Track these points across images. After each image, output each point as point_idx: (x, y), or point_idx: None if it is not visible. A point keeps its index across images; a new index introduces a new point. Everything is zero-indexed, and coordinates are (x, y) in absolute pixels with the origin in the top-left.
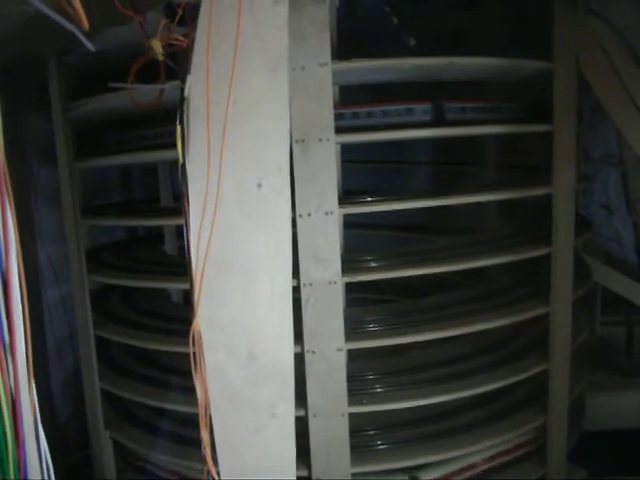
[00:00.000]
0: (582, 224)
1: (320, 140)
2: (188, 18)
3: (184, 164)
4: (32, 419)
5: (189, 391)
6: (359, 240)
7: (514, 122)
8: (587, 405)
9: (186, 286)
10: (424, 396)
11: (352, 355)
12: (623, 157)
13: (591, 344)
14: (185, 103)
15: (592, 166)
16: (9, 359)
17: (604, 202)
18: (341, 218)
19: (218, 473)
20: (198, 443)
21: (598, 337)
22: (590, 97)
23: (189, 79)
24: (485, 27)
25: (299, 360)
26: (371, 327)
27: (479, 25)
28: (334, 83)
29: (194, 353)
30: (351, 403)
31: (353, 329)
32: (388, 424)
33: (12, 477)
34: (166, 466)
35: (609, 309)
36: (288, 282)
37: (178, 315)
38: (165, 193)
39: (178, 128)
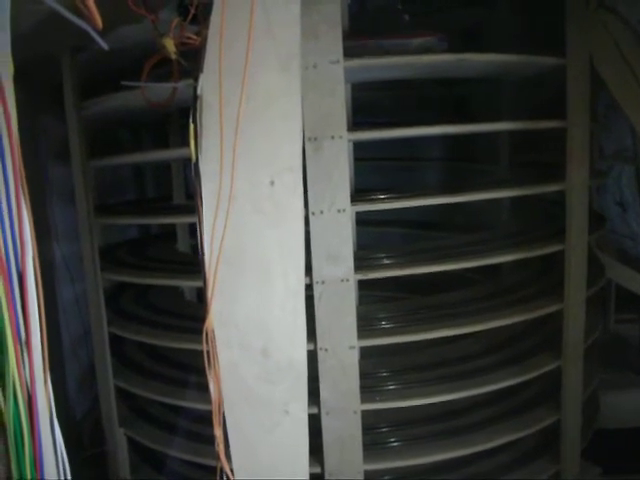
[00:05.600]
0: (596, 221)
1: (333, 138)
2: (201, 16)
3: (197, 162)
4: (48, 415)
5: (203, 388)
6: (371, 237)
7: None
8: (601, 403)
9: (199, 284)
10: (437, 393)
11: (365, 352)
12: (637, 153)
13: (605, 341)
14: (198, 101)
15: (606, 162)
16: (25, 356)
17: (618, 199)
18: (354, 215)
19: (232, 470)
20: (212, 440)
21: (612, 334)
22: (604, 93)
23: (202, 77)
24: (497, 24)
25: (312, 358)
26: (383, 324)
27: (491, 22)
28: (346, 80)
29: (207, 351)
30: (364, 400)
31: (365, 326)
32: (401, 421)
33: (28, 472)
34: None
35: (624, 306)
36: (301, 280)
37: (191, 313)
38: (178, 191)
39: (191, 126)
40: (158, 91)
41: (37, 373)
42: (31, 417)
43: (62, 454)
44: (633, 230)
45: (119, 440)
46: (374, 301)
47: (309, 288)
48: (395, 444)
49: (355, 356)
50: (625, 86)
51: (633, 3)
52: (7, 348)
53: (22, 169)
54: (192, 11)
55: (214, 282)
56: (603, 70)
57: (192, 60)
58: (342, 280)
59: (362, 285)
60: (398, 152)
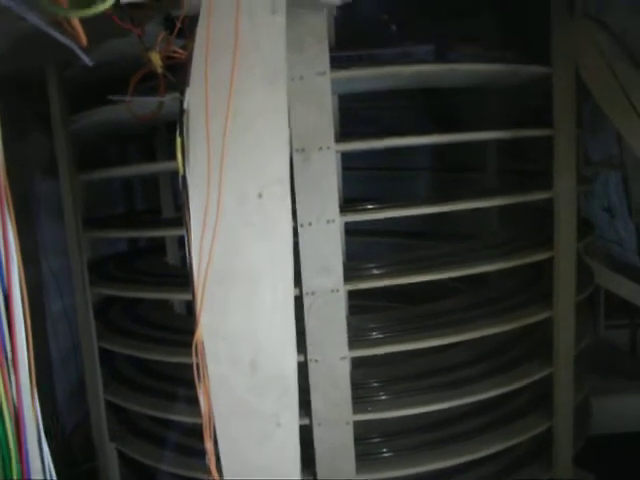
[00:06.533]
0: (584, 227)
1: (320, 149)
2: (187, 30)
3: (185, 175)
4: (35, 431)
5: (193, 401)
6: (360, 248)
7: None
8: (592, 409)
9: (188, 296)
10: (429, 403)
11: (356, 363)
12: (623, 160)
13: (595, 347)
14: (185, 115)
15: (592, 169)
16: (11, 372)
17: (605, 205)
18: (343, 226)
19: None
20: (203, 454)
21: (602, 340)
22: (590, 100)
23: (188, 91)
24: (484, 33)
25: (302, 369)
26: (374, 334)
27: (478, 31)
28: (333, 92)
29: (197, 364)
30: (355, 411)
31: (356, 337)
32: (393, 432)
33: None
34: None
35: (613, 312)
36: (290, 291)
37: (181, 326)
38: (166, 204)
39: (178, 140)
40: (145, 104)
41: (24, 391)
42: (18, 435)
43: (50, 471)
44: (621, 236)
45: (110, 454)
46: (364, 311)
47: (299, 299)
48: (387, 454)
49: (346, 367)
50: (610, 94)
51: (618, 13)
52: None
53: (7, 183)
54: (178, 25)
55: (203, 295)
56: (588, 78)
57: (179, 74)
58: (332, 291)
59: (352, 295)
60: (386, 162)
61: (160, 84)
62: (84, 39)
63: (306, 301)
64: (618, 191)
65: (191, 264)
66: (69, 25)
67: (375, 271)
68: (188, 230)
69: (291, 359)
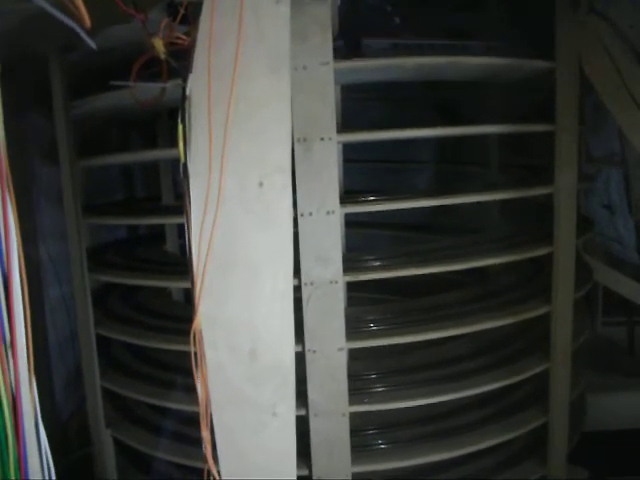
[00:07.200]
0: (584, 224)
1: (322, 139)
2: (190, 17)
3: (186, 163)
4: (33, 417)
5: (190, 390)
6: (360, 239)
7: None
8: (588, 405)
9: (187, 284)
10: (425, 396)
11: (353, 354)
12: (625, 157)
13: (592, 344)
14: (187, 102)
15: (594, 166)
16: (10, 357)
17: (606, 202)
18: (343, 217)
19: (219, 472)
20: (199, 442)
21: (600, 337)
22: (592, 96)
23: (191, 78)
24: (487, 27)
25: (300, 359)
26: (372, 326)
27: (481, 25)
28: (336, 82)
29: (195, 352)
30: (352, 402)
31: (354, 328)
32: (389, 423)
33: (12, 475)
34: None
35: (611, 309)
36: (289, 281)
37: (179, 313)
38: (167, 191)
39: (180, 127)
40: (147, 91)
41: (22, 375)
42: (15, 420)
43: (47, 457)
44: (620, 233)
45: (105, 441)
46: (363, 303)
47: (298, 290)
48: (383, 446)
49: (343, 358)
50: (614, 90)
51: (624, 9)
52: None
53: (8, 168)
54: (181, 11)
55: (202, 283)
56: (592, 74)
57: (182, 60)
58: (331, 282)
59: (351, 287)
60: (388, 154)
61: (163, 70)
62: (88, 21)
63: (305, 292)
64: (619, 188)
65: (191, 252)
66: (73, 6)
67: (374, 263)
68: (188, 218)
69: (289, 349)
